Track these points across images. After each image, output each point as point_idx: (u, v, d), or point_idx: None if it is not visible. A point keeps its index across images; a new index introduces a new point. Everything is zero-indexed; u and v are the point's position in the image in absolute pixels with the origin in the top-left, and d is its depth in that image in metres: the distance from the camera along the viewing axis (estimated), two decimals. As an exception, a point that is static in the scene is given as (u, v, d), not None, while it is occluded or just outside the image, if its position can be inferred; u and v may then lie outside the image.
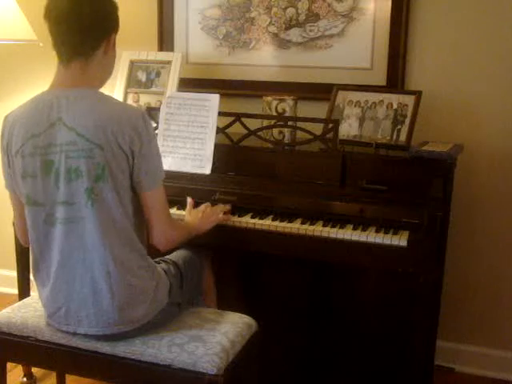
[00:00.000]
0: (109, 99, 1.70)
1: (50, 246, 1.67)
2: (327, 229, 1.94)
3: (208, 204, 2.02)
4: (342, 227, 1.95)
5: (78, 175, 1.60)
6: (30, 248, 1.74)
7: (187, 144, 2.19)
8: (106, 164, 1.59)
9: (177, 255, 1.95)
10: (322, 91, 2.48)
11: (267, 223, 1.99)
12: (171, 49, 2.73)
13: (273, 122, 2.24)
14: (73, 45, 1.63)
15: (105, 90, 1.75)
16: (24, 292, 2.42)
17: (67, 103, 1.61)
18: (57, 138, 1.61)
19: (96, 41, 1.66)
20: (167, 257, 1.92)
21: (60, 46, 1.65)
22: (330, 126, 2.12)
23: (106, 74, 1.75)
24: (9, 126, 1.68)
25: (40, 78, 2.90)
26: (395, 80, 2.44)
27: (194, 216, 1.97)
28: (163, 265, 1.85)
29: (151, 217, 1.71)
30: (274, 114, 2.29)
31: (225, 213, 2.02)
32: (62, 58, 1.65)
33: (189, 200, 2.04)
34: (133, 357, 1.69)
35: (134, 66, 2.63)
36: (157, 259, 1.86)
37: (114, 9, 1.70)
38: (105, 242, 1.62)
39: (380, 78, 2.47)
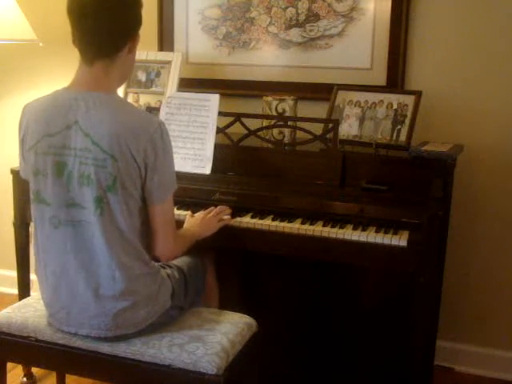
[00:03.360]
0: (127, 107, 1.68)
1: (54, 247, 1.66)
2: (327, 229, 1.94)
3: (208, 210, 2.01)
4: (342, 227, 1.95)
5: (89, 182, 1.59)
6: (34, 246, 1.73)
7: (187, 144, 2.19)
8: (117, 175, 1.58)
9: (181, 261, 1.92)
10: (322, 91, 2.48)
11: (267, 223, 1.99)
12: (171, 49, 2.73)
13: (273, 122, 2.24)
14: (98, 44, 1.60)
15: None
16: (24, 292, 2.42)
17: (86, 107, 1.59)
18: (72, 141, 1.60)
19: (122, 39, 1.62)
20: (172, 262, 1.89)
21: (85, 45, 1.61)
22: (330, 126, 2.12)
23: (126, 73, 1.73)
24: (25, 119, 1.67)
25: (40, 78, 2.91)
26: (395, 80, 2.44)
27: (192, 223, 1.96)
28: (167, 269, 1.84)
29: (157, 229, 1.71)
30: (274, 114, 2.29)
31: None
32: (86, 57, 1.62)
33: (188, 213, 2.04)
34: (133, 357, 1.69)
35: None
36: (161, 263, 1.85)
37: (140, 5, 1.65)
38: (111, 250, 1.61)
39: (380, 78, 2.47)
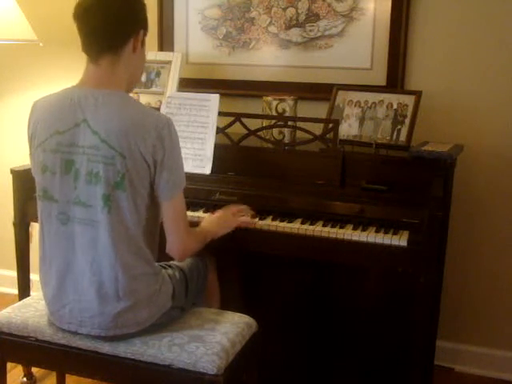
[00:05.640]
0: (136, 104, 1.69)
1: (61, 244, 1.67)
2: (327, 229, 1.94)
3: (228, 207, 1.99)
4: (342, 227, 1.95)
5: (97, 180, 1.59)
6: (39, 243, 1.73)
7: (187, 144, 2.19)
8: (125, 172, 1.58)
9: (182, 261, 1.93)
10: (322, 91, 2.48)
11: (267, 223, 1.99)
12: (171, 49, 2.73)
13: (273, 122, 2.25)
14: (101, 39, 1.62)
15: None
16: (24, 292, 2.41)
17: (95, 105, 1.60)
18: (80, 139, 1.60)
19: (124, 35, 1.64)
20: (173, 262, 1.90)
21: (88, 44, 1.64)
22: (330, 125, 2.12)
23: (134, 74, 1.73)
24: (34, 117, 1.68)
25: (40, 78, 2.91)
26: (395, 80, 2.44)
27: (210, 221, 1.95)
28: (169, 270, 1.84)
29: (169, 226, 1.70)
30: (274, 114, 2.29)
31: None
32: (91, 54, 1.64)
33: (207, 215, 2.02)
34: (133, 357, 1.69)
35: (134, 65, 2.63)
36: (162, 263, 1.86)
37: (141, 6, 1.69)
38: (115, 248, 1.62)
39: (380, 78, 2.47)
